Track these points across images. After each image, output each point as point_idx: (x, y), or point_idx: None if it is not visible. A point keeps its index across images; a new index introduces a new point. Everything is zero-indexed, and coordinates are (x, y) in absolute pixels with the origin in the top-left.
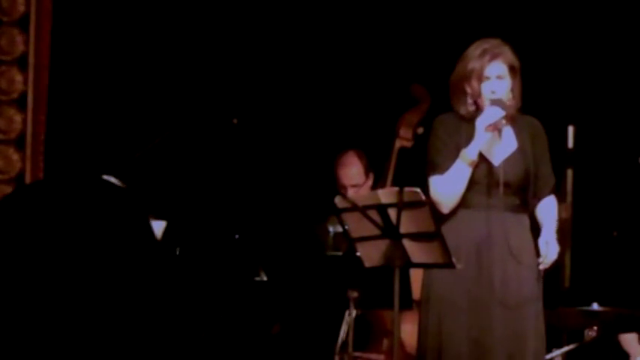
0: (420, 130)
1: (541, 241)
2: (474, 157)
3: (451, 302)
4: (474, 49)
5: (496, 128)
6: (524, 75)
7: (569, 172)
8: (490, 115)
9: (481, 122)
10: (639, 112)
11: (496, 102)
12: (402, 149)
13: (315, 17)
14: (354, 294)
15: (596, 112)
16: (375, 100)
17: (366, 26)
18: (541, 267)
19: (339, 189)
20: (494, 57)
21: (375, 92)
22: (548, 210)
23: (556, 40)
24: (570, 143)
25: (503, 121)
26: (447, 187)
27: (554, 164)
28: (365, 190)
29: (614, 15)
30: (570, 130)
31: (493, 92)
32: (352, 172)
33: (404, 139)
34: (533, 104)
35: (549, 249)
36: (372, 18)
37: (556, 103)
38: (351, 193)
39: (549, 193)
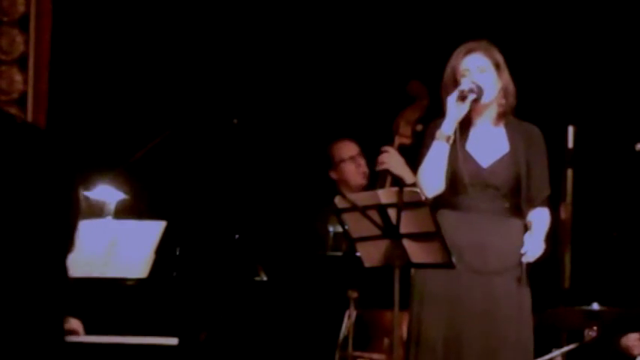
0: (419, 128)
1: (526, 235)
2: (449, 132)
3: (430, 297)
4: (457, 49)
5: (462, 95)
6: (524, 76)
7: (569, 172)
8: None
9: (452, 97)
10: (638, 112)
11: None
12: (402, 146)
13: (312, 16)
14: (354, 294)
15: (596, 112)
16: (374, 98)
17: (364, 24)
18: (524, 259)
19: (343, 163)
20: (470, 51)
21: (374, 90)
22: (538, 218)
23: (556, 41)
24: (570, 143)
25: (489, 122)
26: (428, 169)
27: (554, 164)
28: (363, 166)
29: (613, 15)
30: (570, 130)
31: (474, 82)
32: (348, 144)
33: (403, 136)
34: (533, 104)
35: (533, 243)
36: (371, 15)
37: (556, 103)
38: (361, 161)
39: (541, 204)
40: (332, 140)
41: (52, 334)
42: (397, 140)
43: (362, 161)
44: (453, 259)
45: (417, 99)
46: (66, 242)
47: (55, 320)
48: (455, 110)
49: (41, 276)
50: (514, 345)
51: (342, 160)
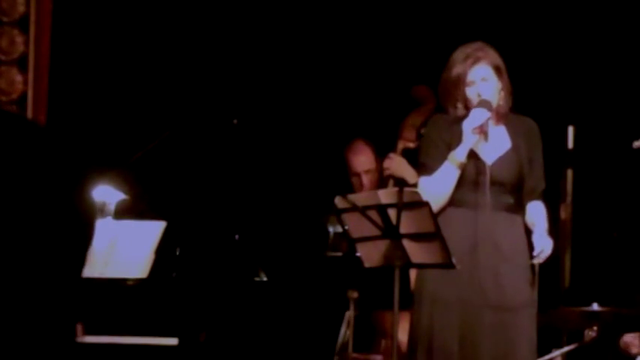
0: (424, 131)
1: (535, 235)
2: (463, 159)
3: (442, 301)
4: (458, 54)
5: (482, 130)
6: (524, 75)
7: (569, 172)
8: (476, 117)
9: (468, 124)
10: (637, 111)
11: (482, 103)
12: (406, 150)
13: (316, 19)
14: (354, 294)
15: (595, 112)
16: (378, 101)
17: (369, 28)
18: (535, 261)
19: (352, 176)
20: (476, 61)
21: (379, 94)
22: (537, 212)
23: (556, 41)
24: (570, 143)
25: (491, 122)
26: (435, 188)
27: (554, 164)
28: (377, 175)
29: (613, 15)
30: (570, 130)
31: (479, 95)
32: (364, 159)
33: (407, 140)
34: (533, 104)
35: (543, 242)
36: (376, 19)
37: (556, 103)
38: (365, 180)
39: (538, 198)
40: (335, 140)
41: (63, 336)
42: (401, 144)
43: (367, 178)
44: (453, 260)
45: (422, 103)
46: (81, 244)
47: (65, 322)
48: (471, 139)
49: (52, 278)
50: (528, 343)
51: (358, 174)
